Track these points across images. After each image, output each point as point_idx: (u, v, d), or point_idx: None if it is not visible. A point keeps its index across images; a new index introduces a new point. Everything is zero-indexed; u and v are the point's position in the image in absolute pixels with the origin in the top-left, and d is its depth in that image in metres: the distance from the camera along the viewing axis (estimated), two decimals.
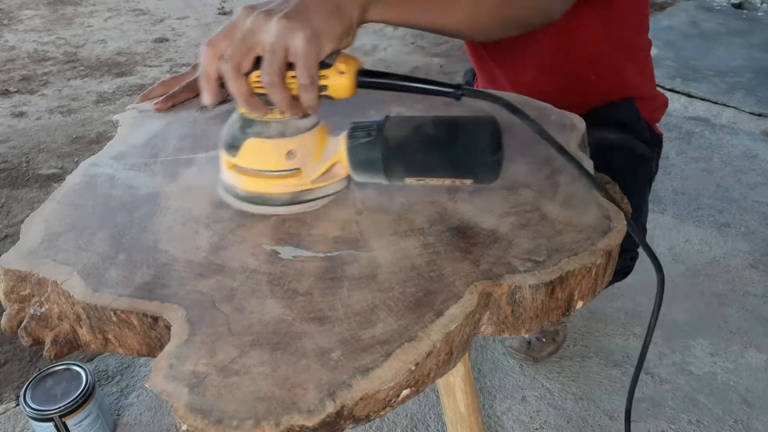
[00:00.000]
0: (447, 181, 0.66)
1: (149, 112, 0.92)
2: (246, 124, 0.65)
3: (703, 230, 1.79)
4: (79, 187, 0.74)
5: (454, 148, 0.63)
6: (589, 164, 0.79)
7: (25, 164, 2.07)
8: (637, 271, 1.61)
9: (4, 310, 0.62)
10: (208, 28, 3.22)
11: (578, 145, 0.83)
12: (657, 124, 1.15)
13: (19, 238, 0.66)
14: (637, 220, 0.99)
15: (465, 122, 0.65)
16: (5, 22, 3.44)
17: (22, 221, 0.69)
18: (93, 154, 0.81)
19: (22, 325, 0.59)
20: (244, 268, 0.60)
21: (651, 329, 0.70)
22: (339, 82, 0.62)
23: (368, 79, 0.63)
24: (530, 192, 0.72)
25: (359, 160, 0.65)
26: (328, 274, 0.59)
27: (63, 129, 2.31)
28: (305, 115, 0.65)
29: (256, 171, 0.66)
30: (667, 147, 2.20)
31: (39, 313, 0.60)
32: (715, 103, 2.47)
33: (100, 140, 2.18)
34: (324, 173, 0.67)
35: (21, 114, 2.41)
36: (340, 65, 0.61)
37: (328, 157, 0.67)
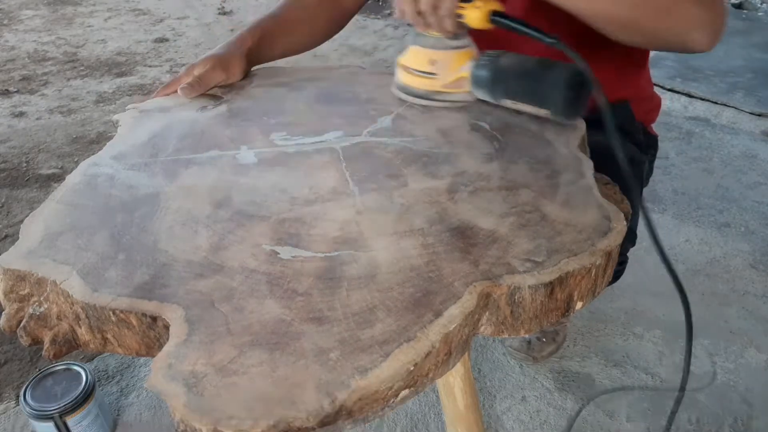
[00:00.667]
0: (531, 108, 0.84)
1: (149, 112, 0.92)
2: (415, 36, 0.88)
3: (703, 230, 1.79)
4: (78, 187, 0.74)
5: (541, 80, 0.80)
6: (588, 165, 0.79)
7: (25, 164, 2.07)
8: (637, 271, 1.61)
9: (4, 310, 0.62)
10: (208, 28, 3.22)
11: (578, 146, 0.83)
12: (652, 125, 1.14)
13: (18, 238, 0.66)
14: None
15: (556, 64, 0.80)
16: (5, 22, 3.44)
17: (22, 221, 0.68)
18: (93, 154, 0.81)
19: (22, 324, 0.59)
20: (244, 268, 0.60)
21: (688, 355, 0.81)
22: (474, 14, 0.82)
23: (497, 18, 0.82)
24: (530, 192, 0.72)
25: (474, 77, 0.85)
26: (327, 274, 0.59)
27: (63, 129, 2.31)
28: (455, 37, 0.86)
29: (409, 68, 0.90)
30: (667, 147, 2.20)
31: (38, 313, 0.59)
32: (715, 103, 2.47)
33: (100, 140, 2.18)
34: (453, 82, 0.88)
35: (21, 114, 2.41)
36: (478, 2, 0.81)
37: (459, 72, 0.87)
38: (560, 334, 1.41)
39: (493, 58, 0.84)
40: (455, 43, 0.87)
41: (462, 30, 0.85)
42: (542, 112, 0.83)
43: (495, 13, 0.82)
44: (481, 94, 0.87)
